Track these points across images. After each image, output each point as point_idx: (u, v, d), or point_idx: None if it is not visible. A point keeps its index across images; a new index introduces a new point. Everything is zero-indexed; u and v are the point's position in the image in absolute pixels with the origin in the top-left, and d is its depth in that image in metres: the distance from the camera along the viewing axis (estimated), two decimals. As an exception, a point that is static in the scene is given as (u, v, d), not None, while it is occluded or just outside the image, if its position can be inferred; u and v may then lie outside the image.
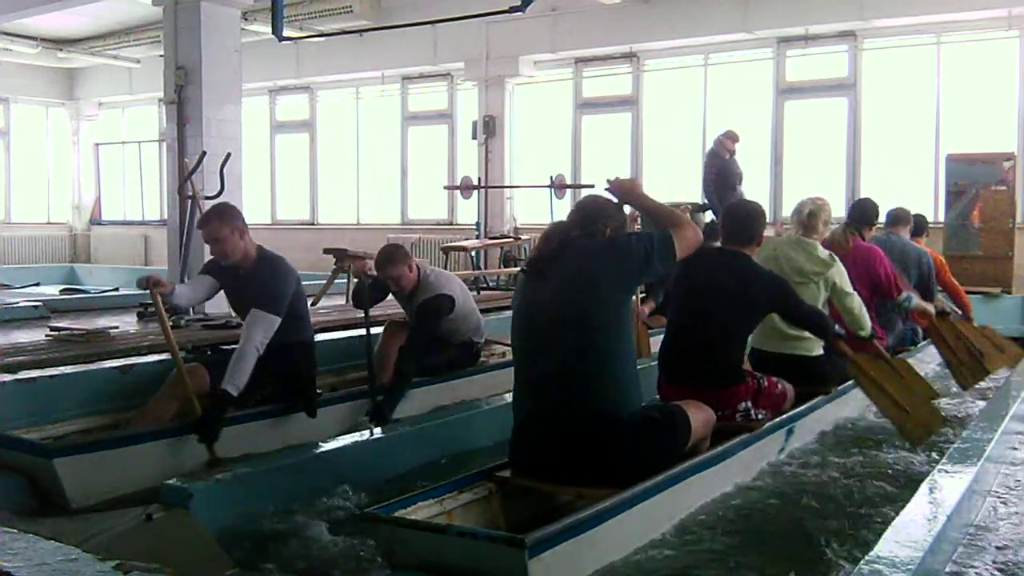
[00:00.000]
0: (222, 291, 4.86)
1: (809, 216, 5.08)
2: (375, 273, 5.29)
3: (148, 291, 4.40)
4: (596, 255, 3.35)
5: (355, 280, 5.57)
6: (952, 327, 5.95)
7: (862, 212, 6.11)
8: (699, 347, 4.13)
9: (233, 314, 6.59)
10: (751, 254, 4.34)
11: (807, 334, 4.77)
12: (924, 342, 6.76)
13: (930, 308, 5.99)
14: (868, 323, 4.99)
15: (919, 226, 7.17)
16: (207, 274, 4.79)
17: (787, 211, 11.80)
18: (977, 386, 5.87)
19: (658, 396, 4.26)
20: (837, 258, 5.03)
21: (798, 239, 5.05)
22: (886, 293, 5.68)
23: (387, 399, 4.83)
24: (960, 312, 6.94)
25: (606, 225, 3.47)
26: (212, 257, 4.75)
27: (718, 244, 4.51)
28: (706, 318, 4.14)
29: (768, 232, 5.29)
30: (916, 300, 5.82)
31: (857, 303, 4.98)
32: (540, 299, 3.38)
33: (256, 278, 4.55)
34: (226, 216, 4.56)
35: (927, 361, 6.63)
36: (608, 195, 3.65)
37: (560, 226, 3.50)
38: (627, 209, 3.71)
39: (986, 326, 6.38)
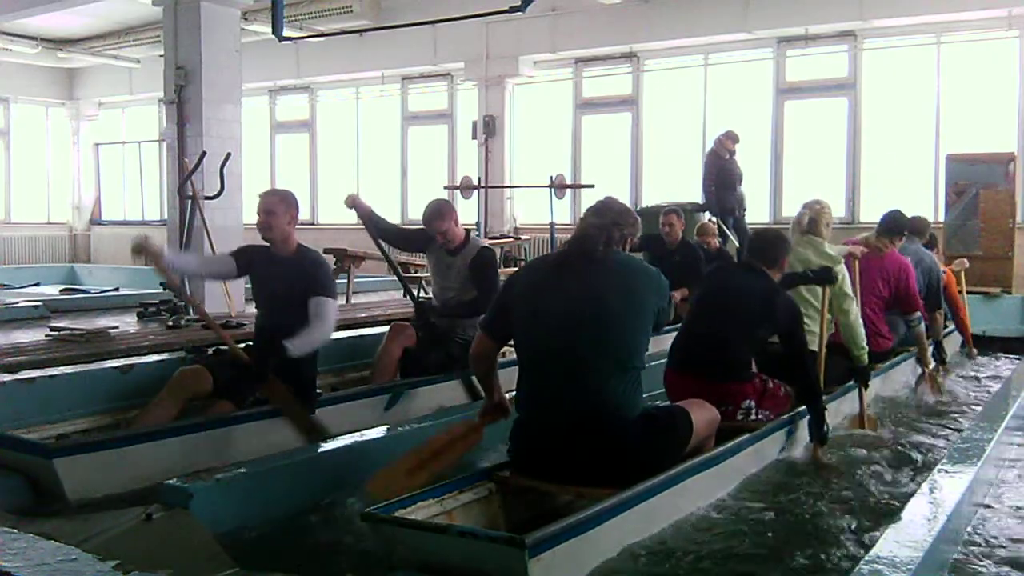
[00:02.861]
0: (222, 285, 4.88)
1: (810, 223, 5.24)
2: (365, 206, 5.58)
3: (144, 257, 4.39)
4: (648, 277, 3.44)
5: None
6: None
7: (893, 223, 6.27)
8: (713, 339, 4.22)
9: (233, 313, 6.61)
10: (774, 278, 4.46)
11: (810, 327, 4.83)
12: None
13: (927, 349, 6.24)
14: (863, 338, 5.12)
15: (932, 240, 7.40)
16: (232, 258, 4.82)
17: (787, 211, 11.91)
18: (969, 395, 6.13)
19: (663, 387, 4.34)
20: (843, 260, 5.14)
21: (808, 238, 5.19)
22: (905, 304, 6.01)
23: (443, 310, 5.35)
24: (955, 325, 7.47)
25: (629, 233, 3.55)
26: (247, 245, 4.89)
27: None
28: (725, 315, 4.25)
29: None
30: (922, 327, 6.15)
31: (855, 310, 5.13)
32: (559, 302, 3.35)
33: (301, 269, 4.63)
34: (287, 198, 4.72)
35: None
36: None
37: (599, 228, 3.43)
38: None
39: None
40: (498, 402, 3.71)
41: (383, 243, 5.88)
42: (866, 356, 5.16)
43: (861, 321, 5.17)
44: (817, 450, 4.42)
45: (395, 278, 6.94)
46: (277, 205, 4.62)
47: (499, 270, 5.64)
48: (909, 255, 6.32)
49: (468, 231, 5.68)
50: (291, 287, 4.58)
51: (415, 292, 5.83)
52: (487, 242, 5.91)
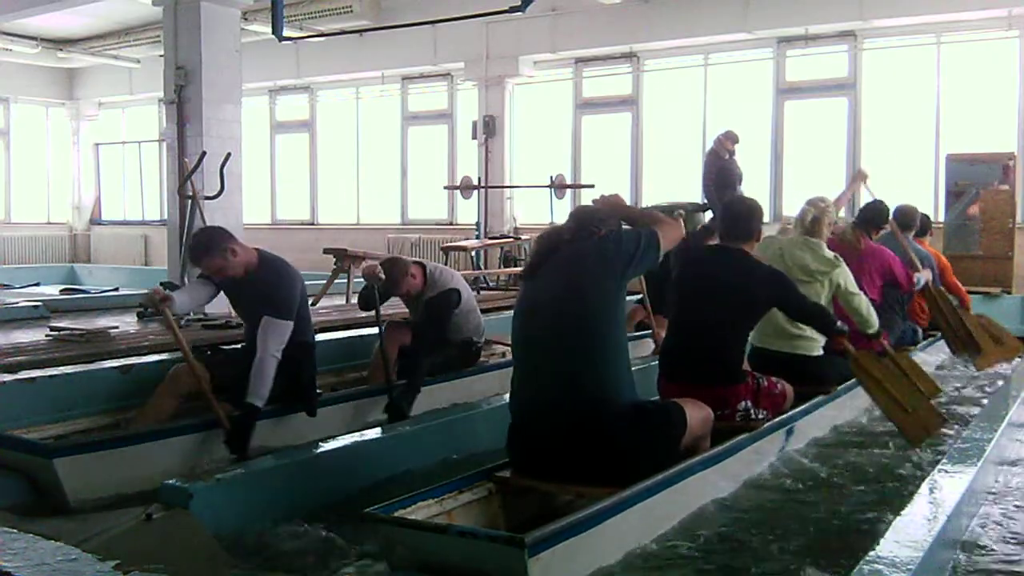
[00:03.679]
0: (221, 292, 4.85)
1: (813, 222, 5.16)
2: (383, 276, 5.34)
3: (156, 307, 4.40)
4: (586, 252, 3.48)
5: (363, 282, 5.60)
6: (951, 306, 6.31)
7: (872, 215, 6.22)
8: (700, 345, 4.14)
9: (233, 314, 6.61)
10: (750, 250, 4.35)
11: (808, 333, 4.80)
12: (925, 342, 6.80)
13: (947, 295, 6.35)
14: (876, 321, 5.08)
15: (923, 227, 7.26)
16: (206, 279, 4.75)
17: (787, 211, 11.90)
18: (981, 371, 6.14)
19: (658, 395, 4.26)
20: (842, 260, 5.09)
21: (804, 240, 5.11)
22: (901, 287, 5.99)
23: (405, 394, 5.02)
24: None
25: (599, 229, 3.57)
26: None
27: (715, 242, 4.51)
28: (707, 316, 4.14)
29: (770, 231, 5.36)
30: (924, 279, 6.17)
31: (865, 303, 5.08)
32: (535, 298, 3.51)
33: (261, 283, 4.53)
34: (212, 247, 4.49)
35: (928, 361, 6.64)
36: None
37: (552, 231, 3.67)
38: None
39: (984, 316, 6.58)
40: None
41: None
42: (875, 332, 5.12)
43: (872, 307, 5.13)
44: (844, 341, 4.51)
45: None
46: (214, 261, 4.48)
47: (448, 314, 5.50)
48: (893, 249, 6.21)
49: (425, 269, 5.55)
50: (255, 303, 4.55)
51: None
52: (454, 274, 5.81)
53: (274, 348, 4.37)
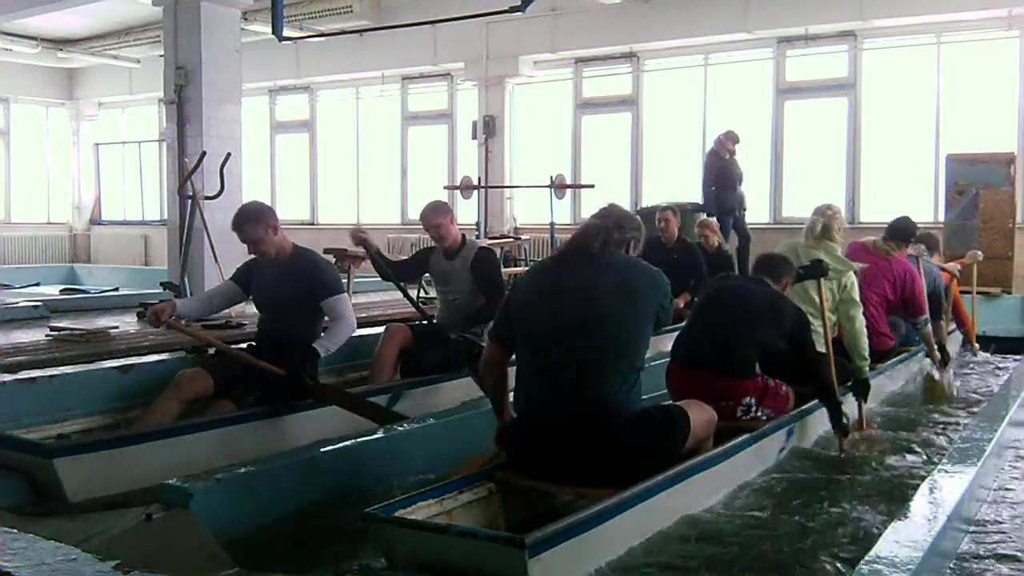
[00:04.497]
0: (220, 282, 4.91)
1: (824, 230, 5.32)
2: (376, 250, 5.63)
3: (158, 324, 4.55)
4: (647, 275, 3.45)
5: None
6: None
7: (902, 230, 6.36)
8: (716, 336, 4.26)
9: (233, 314, 6.61)
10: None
11: (817, 326, 4.91)
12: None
13: (935, 348, 6.29)
14: (866, 348, 5.15)
15: (931, 246, 7.46)
16: (235, 282, 4.89)
17: (787, 211, 11.93)
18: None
19: (666, 386, 4.36)
20: (855, 269, 5.26)
21: (824, 243, 5.27)
22: (911, 308, 6.10)
23: (467, 342, 5.25)
24: (956, 326, 7.52)
25: (632, 236, 3.58)
26: (247, 261, 4.90)
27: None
28: (729, 316, 4.31)
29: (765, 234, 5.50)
30: (929, 327, 6.19)
31: (861, 319, 5.19)
32: (567, 291, 3.36)
33: (299, 272, 4.69)
34: (259, 217, 4.70)
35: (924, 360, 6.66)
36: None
37: (600, 228, 3.46)
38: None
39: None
40: (507, 424, 3.61)
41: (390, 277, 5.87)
42: (867, 368, 5.18)
43: (866, 332, 5.22)
44: (842, 441, 4.54)
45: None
46: (256, 230, 4.66)
47: (502, 269, 5.63)
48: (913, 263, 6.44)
49: (464, 234, 5.68)
50: (290, 290, 4.62)
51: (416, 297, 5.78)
52: (486, 242, 5.91)
53: (351, 317, 4.76)
